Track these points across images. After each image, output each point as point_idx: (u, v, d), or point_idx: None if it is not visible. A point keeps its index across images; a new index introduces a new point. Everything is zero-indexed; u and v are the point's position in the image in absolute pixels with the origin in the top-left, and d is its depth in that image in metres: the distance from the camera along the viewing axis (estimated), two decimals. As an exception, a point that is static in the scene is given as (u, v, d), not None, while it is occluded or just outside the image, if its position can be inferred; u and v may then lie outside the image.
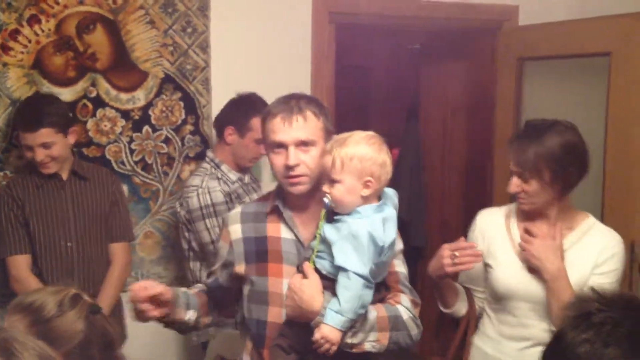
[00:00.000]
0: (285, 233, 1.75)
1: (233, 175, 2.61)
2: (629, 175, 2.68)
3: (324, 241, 1.63)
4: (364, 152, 1.63)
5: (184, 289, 1.84)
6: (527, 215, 1.95)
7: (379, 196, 1.68)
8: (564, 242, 1.88)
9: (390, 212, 1.66)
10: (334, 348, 1.57)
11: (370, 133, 1.68)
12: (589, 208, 2.84)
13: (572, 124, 1.91)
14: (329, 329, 1.56)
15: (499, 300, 1.96)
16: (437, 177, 4.12)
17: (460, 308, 2.07)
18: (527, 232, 1.90)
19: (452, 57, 3.87)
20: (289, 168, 1.69)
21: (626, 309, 1.02)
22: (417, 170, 4.24)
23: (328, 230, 1.63)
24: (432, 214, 4.17)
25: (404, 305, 1.72)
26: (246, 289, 1.78)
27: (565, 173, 1.85)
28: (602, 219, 2.74)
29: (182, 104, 2.84)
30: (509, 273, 1.92)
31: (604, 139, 2.77)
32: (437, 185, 4.12)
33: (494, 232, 2.00)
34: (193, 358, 2.82)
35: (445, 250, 1.90)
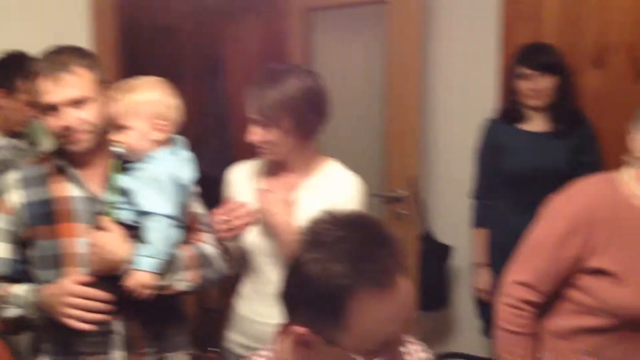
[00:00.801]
0: (74, 191, 1.75)
1: (1, 141, 2.52)
2: (406, 117, 2.99)
3: (122, 191, 1.68)
4: (152, 95, 1.71)
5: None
6: (272, 169, 1.96)
7: (171, 140, 1.76)
8: (302, 189, 1.91)
9: (186, 153, 1.76)
10: (151, 292, 1.65)
11: (156, 77, 1.76)
12: (372, 149, 3.21)
13: (312, 69, 1.95)
14: (143, 274, 1.62)
15: (249, 257, 1.98)
16: (243, 134, 4.30)
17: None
18: (265, 185, 1.93)
19: (250, 12, 4.05)
20: (65, 129, 1.69)
21: (355, 226, 1.07)
22: (223, 127, 4.39)
23: (125, 179, 1.69)
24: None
25: (209, 243, 1.84)
26: (32, 254, 1.76)
27: (305, 120, 1.84)
28: (385, 158, 3.11)
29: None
30: (253, 228, 1.93)
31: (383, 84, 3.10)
32: (243, 142, 4.29)
33: (243, 187, 2.00)
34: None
35: (217, 216, 1.88)
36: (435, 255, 3.10)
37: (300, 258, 1.06)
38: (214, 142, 4.28)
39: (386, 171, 3.12)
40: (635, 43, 2.66)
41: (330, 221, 1.07)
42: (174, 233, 1.69)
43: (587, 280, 1.70)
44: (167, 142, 1.75)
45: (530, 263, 1.75)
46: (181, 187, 1.70)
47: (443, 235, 3.20)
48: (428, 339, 3.14)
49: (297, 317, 1.08)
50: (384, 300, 1.02)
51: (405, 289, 1.05)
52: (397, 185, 3.01)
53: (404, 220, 3.00)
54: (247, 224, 1.89)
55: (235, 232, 1.89)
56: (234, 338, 2.03)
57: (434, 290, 3.09)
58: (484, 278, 2.81)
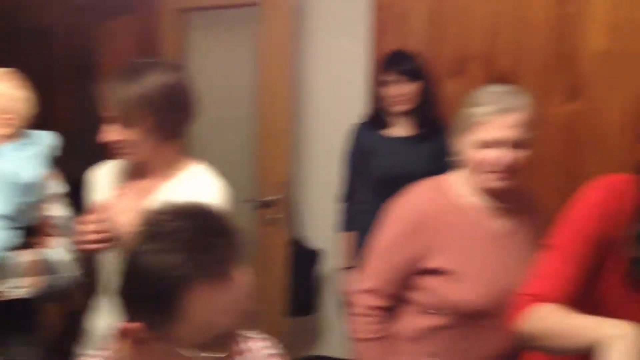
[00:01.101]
0: None
1: None
2: (277, 120, 3.05)
3: None
4: None
5: None
6: (132, 171, 1.83)
7: (23, 135, 1.71)
8: (159, 193, 1.76)
9: (35, 150, 1.70)
10: None
11: (6, 69, 1.70)
12: (243, 153, 3.22)
13: (178, 64, 1.85)
14: None
15: (97, 268, 1.86)
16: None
17: None
18: (117, 191, 1.80)
19: (122, 12, 3.98)
20: None
21: (192, 217, 1.06)
22: (98, 127, 4.28)
23: None
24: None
25: (60, 248, 1.76)
26: None
27: (166, 118, 1.71)
28: (256, 162, 3.12)
29: None
30: None
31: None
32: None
33: (103, 190, 1.84)
34: None
35: (88, 224, 1.69)
36: (304, 260, 3.15)
37: (137, 250, 1.04)
38: (88, 143, 4.17)
39: (257, 175, 3.14)
40: (489, 53, 2.84)
41: (167, 212, 1.07)
42: (6, 235, 1.62)
43: (425, 280, 1.77)
44: (14, 136, 1.68)
45: (372, 269, 1.82)
46: (22, 186, 1.63)
47: (314, 239, 3.25)
48: (295, 343, 3.18)
49: (134, 313, 1.06)
50: (219, 292, 1.02)
51: (243, 281, 1.05)
52: (268, 190, 3.04)
53: (275, 226, 3.04)
54: (117, 237, 1.69)
55: (102, 247, 1.70)
56: (86, 351, 1.94)
57: (303, 296, 3.14)
58: (350, 281, 2.88)
